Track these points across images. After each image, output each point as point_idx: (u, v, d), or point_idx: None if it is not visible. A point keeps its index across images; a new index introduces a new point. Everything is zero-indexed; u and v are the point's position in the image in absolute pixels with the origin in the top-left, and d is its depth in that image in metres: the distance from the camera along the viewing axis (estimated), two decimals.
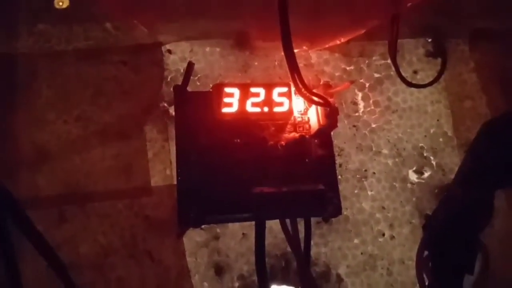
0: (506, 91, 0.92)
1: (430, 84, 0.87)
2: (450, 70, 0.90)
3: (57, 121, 0.77)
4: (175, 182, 0.72)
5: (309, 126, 0.74)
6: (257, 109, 0.72)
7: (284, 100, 0.73)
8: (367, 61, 0.88)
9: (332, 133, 0.78)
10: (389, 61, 0.85)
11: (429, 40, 0.91)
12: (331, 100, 0.71)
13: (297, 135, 0.72)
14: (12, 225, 0.65)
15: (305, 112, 0.74)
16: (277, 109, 0.73)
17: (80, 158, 0.76)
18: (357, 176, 0.83)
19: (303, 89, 0.65)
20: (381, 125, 0.86)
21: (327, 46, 0.85)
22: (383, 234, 0.82)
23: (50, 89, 0.78)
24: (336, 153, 0.81)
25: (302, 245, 0.73)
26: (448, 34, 0.92)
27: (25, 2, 0.80)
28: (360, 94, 0.87)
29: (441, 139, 0.87)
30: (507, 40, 0.94)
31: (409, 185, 0.85)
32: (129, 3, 0.80)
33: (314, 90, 0.68)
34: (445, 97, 0.90)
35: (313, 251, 0.77)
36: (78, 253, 0.71)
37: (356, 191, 0.83)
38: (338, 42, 0.82)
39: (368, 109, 0.86)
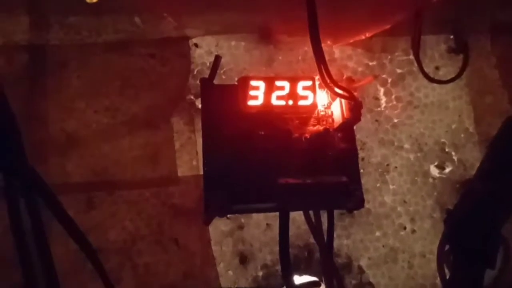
0: None
1: (452, 80, 0.85)
2: (471, 66, 0.88)
3: (86, 110, 0.77)
4: (201, 173, 0.72)
5: (333, 120, 0.73)
6: (282, 102, 0.71)
7: (309, 93, 0.72)
8: (389, 57, 0.87)
9: (355, 127, 0.77)
10: (411, 56, 0.83)
11: (451, 36, 0.89)
12: (355, 94, 0.70)
13: (321, 128, 0.71)
14: (43, 208, 0.66)
15: (329, 106, 0.73)
16: (301, 103, 0.71)
17: (108, 146, 0.76)
18: (379, 170, 0.82)
19: (329, 82, 0.64)
20: (403, 120, 0.85)
21: (351, 41, 0.83)
22: (405, 228, 0.81)
23: (80, 79, 0.78)
24: (358, 147, 0.80)
25: (325, 236, 0.73)
26: (469, 30, 0.89)
27: None
28: (382, 90, 0.85)
29: (462, 135, 0.86)
30: None
31: (430, 179, 0.83)
32: None
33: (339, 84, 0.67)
34: (466, 93, 0.88)
35: (336, 242, 0.76)
36: (106, 239, 0.72)
37: (378, 185, 0.81)
38: (362, 37, 0.80)
39: (390, 104, 0.85)
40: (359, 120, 0.71)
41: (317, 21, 0.59)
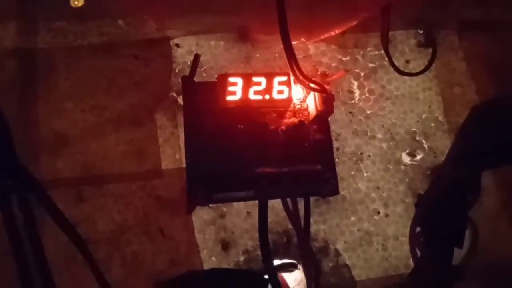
0: (494, 78, 0.92)
1: (421, 72, 0.87)
2: (440, 59, 0.91)
3: (74, 110, 0.78)
4: (184, 166, 0.74)
5: (308, 112, 0.75)
6: (259, 97, 0.73)
7: (284, 88, 0.74)
8: (362, 52, 0.89)
9: (329, 119, 0.80)
10: (382, 51, 0.85)
11: (421, 31, 0.92)
12: (327, 87, 0.72)
13: (296, 120, 0.74)
14: (35, 203, 0.67)
15: (304, 100, 0.75)
16: (277, 97, 0.74)
17: (96, 143, 0.77)
18: (354, 158, 0.84)
19: (300, 77, 0.67)
20: (376, 111, 0.87)
21: (322, 37, 0.85)
22: (378, 212, 0.83)
23: (67, 80, 0.79)
24: (333, 138, 0.81)
25: (302, 222, 0.75)
26: (438, 25, 0.92)
27: (43, 1, 0.81)
28: (355, 83, 0.87)
29: (432, 124, 0.88)
30: (494, 31, 0.95)
31: (402, 166, 0.85)
32: (140, 0, 0.81)
33: (312, 79, 0.70)
34: (436, 85, 0.90)
35: (313, 228, 0.78)
36: (96, 230, 0.72)
37: (352, 173, 0.83)
38: (332, 33, 0.82)
39: (363, 96, 0.87)
40: (331, 112, 0.74)
41: (287, 23, 0.61)
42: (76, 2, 0.83)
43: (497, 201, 0.87)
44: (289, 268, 0.71)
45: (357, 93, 0.87)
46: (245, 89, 0.73)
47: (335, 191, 0.75)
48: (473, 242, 0.80)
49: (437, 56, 0.90)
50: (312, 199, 0.76)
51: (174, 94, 0.81)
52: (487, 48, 0.93)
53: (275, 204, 0.76)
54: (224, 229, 0.77)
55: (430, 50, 0.90)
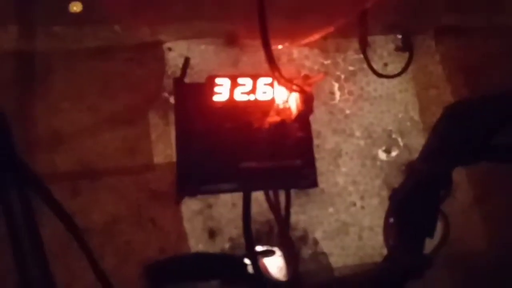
0: (469, 81, 0.96)
1: (398, 74, 0.91)
2: (417, 63, 0.94)
3: (71, 109, 0.81)
4: (174, 160, 0.78)
5: (291, 112, 0.80)
6: (245, 97, 0.78)
7: (268, 89, 0.79)
8: (342, 56, 0.92)
9: (311, 118, 0.84)
10: (362, 55, 0.89)
11: (399, 36, 0.95)
12: (307, 89, 0.77)
13: (278, 119, 0.78)
14: (32, 195, 0.71)
15: (287, 100, 0.80)
16: (262, 97, 0.78)
17: (91, 140, 0.80)
18: (332, 155, 0.88)
19: (282, 80, 0.71)
20: (355, 111, 0.90)
21: (303, 43, 0.89)
22: (355, 204, 0.87)
23: (64, 82, 0.82)
24: (314, 135, 0.85)
25: (283, 213, 0.80)
26: (416, 31, 0.96)
27: (43, 7, 0.84)
28: (336, 85, 0.91)
29: (408, 123, 0.92)
30: (469, 36, 0.98)
31: (378, 162, 0.89)
32: (135, 7, 0.85)
33: (293, 81, 0.74)
34: (412, 87, 0.94)
35: (293, 218, 0.81)
36: (90, 221, 0.75)
37: (331, 168, 0.87)
38: (313, 38, 0.86)
39: (343, 97, 0.91)
40: (311, 111, 0.78)
41: (268, 32, 0.65)
42: (74, 8, 0.85)
43: (470, 196, 0.91)
44: (268, 254, 0.75)
45: (337, 94, 0.91)
46: (232, 90, 0.77)
47: (314, 184, 0.80)
48: (445, 234, 0.83)
49: (414, 60, 0.93)
50: (292, 191, 0.80)
51: (166, 95, 0.84)
52: (462, 52, 0.97)
53: (258, 196, 0.79)
54: (211, 219, 0.80)
55: (407, 53, 0.93)
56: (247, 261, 0.65)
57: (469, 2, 0.98)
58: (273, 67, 0.67)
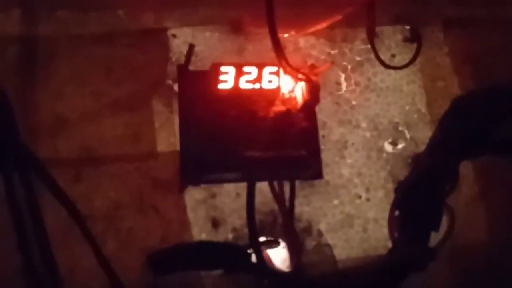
0: (476, 73, 0.95)
1: (405, 66, 0.89)
2: (425, 54, 0.93)
3: (74, 94, 0.80)
4: (178, 149, 0.77)
5: (296, 102, 0.78)
6: (250, 86, 0.77)
7: (274, 78, 0.77)
8: (349, 46, 0.91)
9: (316, 108, 0.83)
10: (369, 46, 0.86)
11: (407, 27, 0.94)
12: (314, 78, 0.76)
13: (284, 108, 0.77)
14: (35, 180, 0.70)
15: (293, 90, 0.79)
16: (267, 86, 0.77)
17: (94, 126, 0.79)
18: (338, 146, 0.87)
19: (288, 68, 0.70)
20: (361, 102, 0.90)
21: (310, 31, 0.88)
22: (360, 197, 0.86)
23: (67, 67, 0.81)
24: (320, 126, 0.84)
25: (287, 204, 0.79)
26: (424, 22, 0.95)
27: None
28: (343, 75, 0.90)
29: (415, 115, 0.91)
30: (477, 27, 0.97)
31: (384, 154, 0.88)
32: None
33: (299, 70, 0.73)
34: (420, 78, 0.93)
35: (298, 209, 0.81)
36: (92, 207, 0.75)
37: (336, 159, 0.86)
38: (319, 27, 0.85)
39: (350, 88, 0.90)
40: (317, 101, 0.77)
41: (275, 19, 0.64)
42: None
43: (475, 189, 0.91)
44: (272, 244, 0.74)
45: (344, 84, 0.90)
46: (237, 78, 0.76)
47: (319, 176, 0.79)
48: (450, 227, 0.83)
49: (422, 51, 0.91)
50: (297, 182, 0.79)
51: (170, 82, 0.84)
52: (470, 44, 0.96)
53: (262, 187, 0.78)
54: (214, 208, 0.80)
55: (415, 45, 0.91)
56: (250, 251, 0.64)
57: None
58: (279, 56, 0.66)
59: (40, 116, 0.79)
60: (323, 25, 0.84)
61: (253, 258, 0.63)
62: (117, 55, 0.84)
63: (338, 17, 0.80)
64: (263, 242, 0.72)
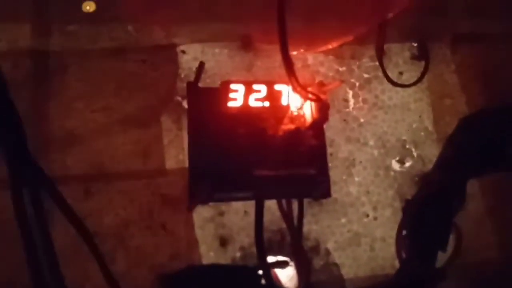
0: (484, 90, 0.95)
1: (413, 84, 0.90)
2: (432, 71, 0.93)
3: (84, 110, 0.80)
4: (187, 166, 0.77)
5: (305, 119, 0.78)
6: (259, 104, 0.77)
7: (283, 96, 0.77)
8: (357, 63, 0.91)
9: (324, 126, 0.83)
10: (377, 63, 0.88)
11: (414, 44, 0.94)
12: (323, 96, 0.76)
13: (292, 126, 0.77)
14: (45, 197, 0.70)
15: (301, 107, 0.78)
16: (276, 104, 0.77)
17: (104, 142, 0.79)
18: (346, 164, 0.87)
19: (298, 87, 0.70)
20: (369, 119, 0.89)
21: (320, 50, 0.88)
22: (367, 215, 0.86)
23: (78, 82, 0.82)
24: (327, 144, 0.83)
25: (296, 222, 0.78)
26: (431, 39, 0.95)
27: (57, 6, 0.84)
28: (350, 92, 0.90)
29: (422, 133, 0.91)
30: (486, 43, 0.97)
31: (392, 173, 0.88)
32: (149, 8, 0.84)
33: (309, 88, 0.73)
34: (427, 96, 0.93)
35: (305, 228, 0.80)
36: (102, 224, 0.75)
37: (344, 177, 0.86)
38: (330, 46, 0.85)
39: (358, 105, 0.90)
40: (326, 120, 0.77)
41: (286, 37, 0.64)
42: (88, 7, 0.85)
43: (482, 207, 0.90)
44: (282, 265, 0.74)
45: (351, 102, 0.90)
46: (246, 96, 0.76)
47: (327, 194, 0.78)
48: (457, 246, 0.83)
49: (430, 68, 0.92)
50: (305, 200, 0.79)
51: (179, 98, 0.84)
52: (479, 60, 0.96)
53: (271, 205, 0.78)
54: (222, 227, 0.80)
55: (423, 62, 0.92)
56: (260, 272, 0.64)
57: (486, 9, 0.96)
58: (290, 74, 0.66)
59: (50, 131, 0.79)
60: (334, 44, 0.84)
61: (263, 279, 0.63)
62: (127, 71, 0.84)
63: (350, 38, 0.80)
64: (273, 263, 0.72)
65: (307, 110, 0.77)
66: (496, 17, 0.96)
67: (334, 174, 0.85)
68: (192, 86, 0.80)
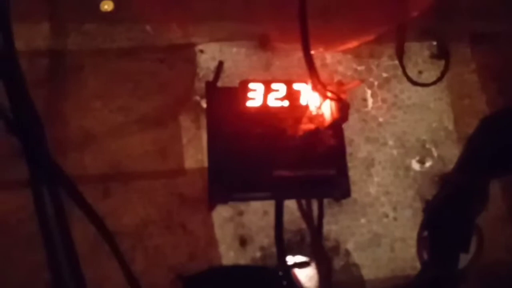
0: (504, 90, 0.94)
1: (433, 83, 0.89)
2: (452, 71, 0.92)
3: (102, 109, 0.80)
4: (206, 165, 0.77)
5: (324, 119, 0.78)
6: (278, 103, 0.76)
7: (302, 95, 0.77)
8: (376, 62, 0.91)
9: (343, 125, 0.82)
10: (396, 62, 0.88)
11: (434, 43, 0.93)
12: (343, 96, 0.75)
13: (312, 126, 0.76)
14: (64, 196, 0.70)
15: (320, 106, 0.78)
16: (295, 103, 0.77)
17: (122, 142, 0.79)
18: (365, 164, 0.86)
19: (319, 86, 0.70)
20: (388, 119, 0.89)
21: (339, 49, 0.88)
22: (387, 216, 0.85)
23: (95, 81, 0.82)
24: (347, 144, 0.83)
25: (315, 222, 0.78)
26: (451, 38, 0.93)
27: (74, 5, 0.85)
28: (369, 92, 0.90)
29: (442, 133, 0.90)
30: (505, 43, 0.96)
31: (411, 173, 0.87)
32: (166, 7, 0.84)
33: (328, 87, 0.72)
34: (447, 95, 0.92)
35: (325, 228, 0.80)
36: (121, 224, 0.75)
37: (363, 177, 0.85)
38: (349, 46, 0.85)
39: (376, 105, 0.89)
40: (346, 119, 0.76)
41: (308, 35, 0.64)
42: (106, 6, 0.85)
43: (503, 208, 0.89)
44: (303, 265, 0.73)
45: (370, 101, 0.89)
46: (265, 95, 0.75)
47: (347, 194, 0.78)
48: (479, 247, 0.82)
49: (449, 68, 0.91)
50: (325, 200, 0.78)
51: (198, 98, 0.84)
52: (498, 60, 0.95)
53: (290, 204, 0.78)
54: (242, 226, 0.80)
55: (442, 61, 0.91)
56: (281, 273, 0.63)
57: (505, 9, 0.95)
58: (312, 73, 0.65)
59: (68, 131, 0.79)
60: (354, 44, 0.83)
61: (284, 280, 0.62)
62: (144, 70, 0.84)
63: (370, 38, 0.79)
64: (294, 264, 0.71)
65: (326, 110, 0.76)
66: None
67: (354, 174, 0.84)
68: (211, 86, 0.80)
